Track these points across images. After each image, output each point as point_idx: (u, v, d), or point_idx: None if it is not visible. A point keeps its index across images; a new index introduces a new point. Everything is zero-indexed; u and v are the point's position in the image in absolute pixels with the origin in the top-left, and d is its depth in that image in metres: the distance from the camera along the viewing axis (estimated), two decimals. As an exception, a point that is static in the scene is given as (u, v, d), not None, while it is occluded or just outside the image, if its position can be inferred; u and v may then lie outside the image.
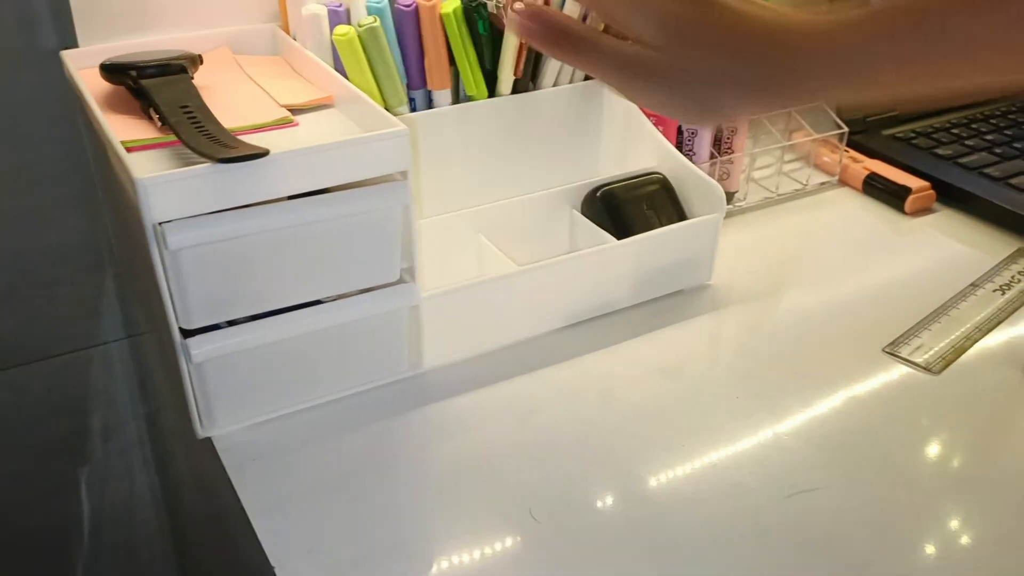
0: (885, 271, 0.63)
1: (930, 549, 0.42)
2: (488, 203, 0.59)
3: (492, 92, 0.60)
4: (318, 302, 0.47)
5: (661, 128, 0.64)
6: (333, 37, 0.54)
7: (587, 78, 0.64)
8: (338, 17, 0.56)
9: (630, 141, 0.65)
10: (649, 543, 0.42)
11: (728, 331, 0.57)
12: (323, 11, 0.56)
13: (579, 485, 0.45)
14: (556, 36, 0.38)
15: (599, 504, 0.44)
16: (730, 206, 0.70)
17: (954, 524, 0.43)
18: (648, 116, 0.64)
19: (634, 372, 0.53)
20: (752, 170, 0.74)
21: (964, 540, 0.43)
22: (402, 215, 0.46)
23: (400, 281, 0.48)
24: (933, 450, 0.47)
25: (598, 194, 0.60)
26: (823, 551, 0.42)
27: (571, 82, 0.63)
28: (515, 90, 0.61)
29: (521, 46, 0.59)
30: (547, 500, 0.44)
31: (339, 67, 0.55)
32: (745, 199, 0.71)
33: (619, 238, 0.57)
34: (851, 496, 0.45)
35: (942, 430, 0.49)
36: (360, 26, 0.54)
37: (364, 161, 0.44)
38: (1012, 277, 0.61)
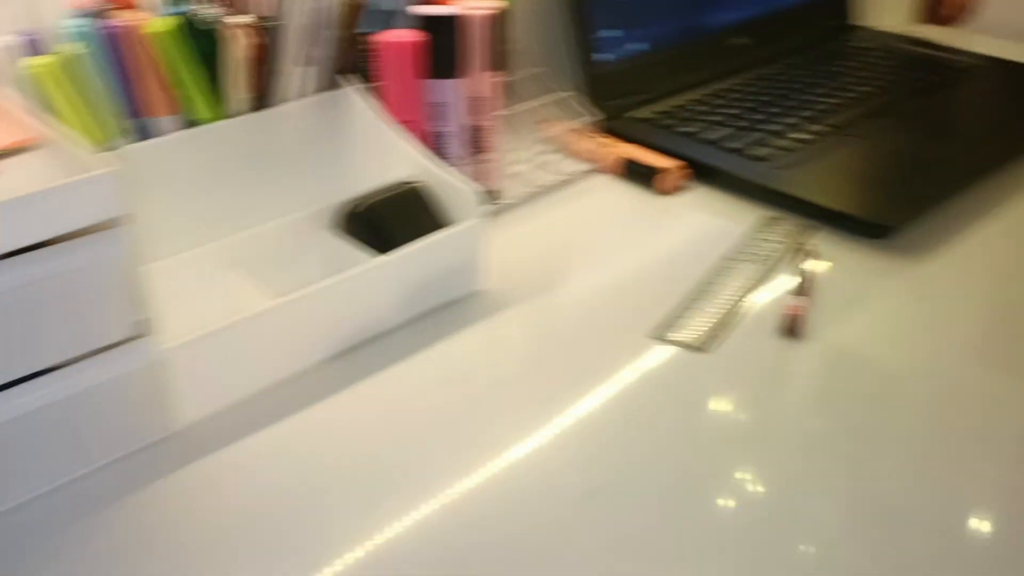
0: (649, 253, 0.64)
1: (729, 503, 0.42)
2: (235, 234, 0.54)
3: (225, 114, 0.56)
4: (41, 373, 0.41)
5: (412, 135, 0.62)
6: (27, 70, 0.48)
7: (327, 88, 0.61)
8: (34, 47, 0.50)
9: (382, 150, 0.62)
10: (443, 565, 0.40)
11: (505, 334, 0.56)
12: (14, 41, 0.49)
13: (370, 516, 0.42)
14: None
15: (389, 534, 0.42)
16: (493, 205, 0.69)
17: (746, 478, 0.44)
18: (400, 122, 0.61)
19: (412, 390, 0.51)
20: (511, 166, 0.74)
21: (758, 488, 0.43)
22: (124, 264, 0.41)
23: (133, 337, 0.43)
24: (715, 421, 0.48)
25: (353, 211, 0.57)
26: (623, 546, 0.41)
27: (311, 94, 0.60)
28: (251, 109, 0.57)
29: (250, 61, 0.54)
30: (332, 542, 0.41)
31: (44, 103, 0.49)
32: (507, 196, 0.70)
33: (382, 254, 0.54)
34: (644, 486, 0.44)
35: (720, 402, 0.50)
36: (58, 56, 0.48)
37: (67, 211, 0.39)
38: (763, 246, 0.64)
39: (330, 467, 0.46)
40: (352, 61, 0.62)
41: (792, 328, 0.54)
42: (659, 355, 0.54)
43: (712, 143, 0.75)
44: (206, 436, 0.47)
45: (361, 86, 0.62)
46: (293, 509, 0.43)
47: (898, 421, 0.49)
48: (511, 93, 0.77)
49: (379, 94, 0.62)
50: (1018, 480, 0.45)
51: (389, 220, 0.56)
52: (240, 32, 0.53)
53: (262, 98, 0.57)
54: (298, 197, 0.59)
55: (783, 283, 0.60)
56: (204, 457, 0.46)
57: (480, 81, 0.65)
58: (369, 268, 0.53)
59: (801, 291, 0.58)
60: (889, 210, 0.65)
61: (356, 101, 0.62)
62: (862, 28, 1.01)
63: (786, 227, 0.66)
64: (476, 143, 0.68)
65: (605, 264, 0.63)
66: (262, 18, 0.55)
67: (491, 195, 0.69)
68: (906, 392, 0.51)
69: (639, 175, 0.73)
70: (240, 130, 0.56)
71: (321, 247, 0.58)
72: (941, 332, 0.56)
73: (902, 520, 0.43)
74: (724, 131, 0.77)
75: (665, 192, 0.71)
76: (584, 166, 0.75)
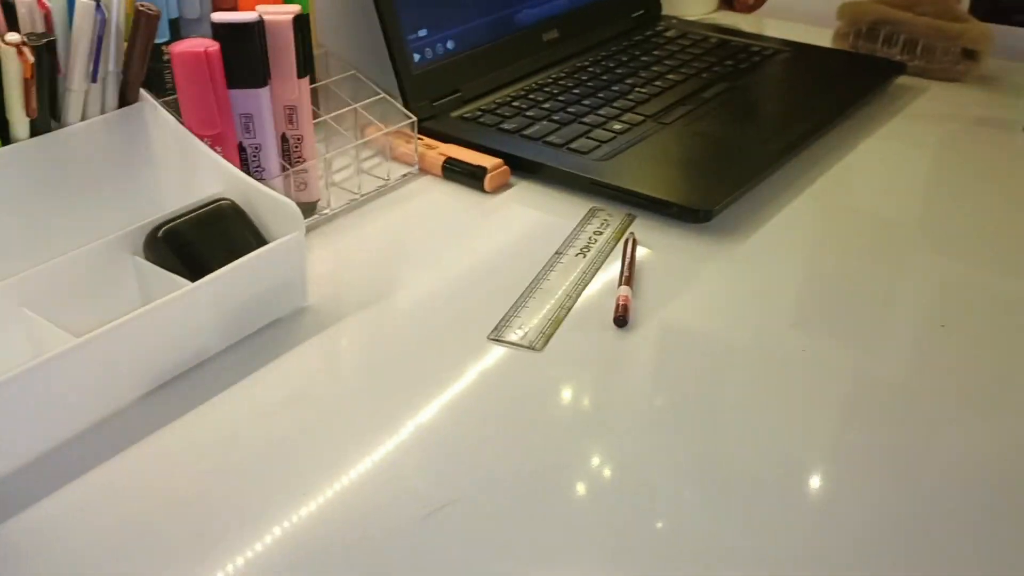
0: (479, 254, 0.63)
1: (584, 492, 0.42)
2: (29, 270, 0.50)
3: (8, 139, 0.51)
4: None
5: (219, 149, 0.58)
6: None
7: (122, 104, 0.57)
8: None
9: (189, 167, 0.59)
10: (284, 619, 0.38)
11: (338, 349, 0.54)
12: None
13: (203, 560, 0.39)
14: None
15: (229, 568, 0.39)
16: (315, 216, 0.67)
17: (597, 466, 0.43)
18: (202, 137, 0.58)
19: (243, 418, 0.48)
20: (331, 174, 0.71)
21: (611, 474, 0.43)
22: None
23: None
24: (560, 415, 0.48)
25: (160, 234, 0.53)
26: (483, 551, 0.40)
27: (103, 112, 0.56)
28: (35, 132, 0.52)
29: (28, 80, 0.50)
30: (158, 605, 0.38)
31: None
32: (329, 206, 0.68)
33: (195, 278, 0.51)
34: (488, 497, 0.43)
35: (563, 396, 0.49)
36: None
37: None
38: (589, 238, 0.64)
39: (156, 510, 0.42)
40: (148, 74, 0.58)
41: (623, 317, 0.55)
42: (498, 356, 0.53)
43: (532, 138, 0.75)
44: (9, 497, 0.43)
45: (159, 100, 0.58)
46: (115, 561, 0.40)
47: (733, 393, 0.50)
48: (325, 99, 0.75)
49: (180, 107, 0.58)
50: (850, 436, 0.47)
51: (198, 241, 0.53)
52: (13, 50, 0.49)
53: (48, 120, 0.53)
54: (98, 224, 0.55)
55: (611, 273, 0.60)
56: (6, 521, 0.42)
57: (289, 89, 0.63)
58: (184, 293, 0.49)
59: (628, 280, 0.58)
60: (706, 195, 0.67)
61: (154, 116, 0.58)
62: (669, 18, 1.04)
63: (611, 218, 0.67)
64: (291, 153, 0.65)
65: (436, 268, 0.61)
66: (37, 35, 0.50)
67: (311, 206, 0.67)
68: (737, 365, 0.52)
69: (463, 175, 0.72)
70: (25, 156, 0.52)
71: (128, 276, 0.54)
72: (763, 305, 0.57)
73: (748, 486, 0.44)
74: (543, 125, 0.77)
75: (490, 191, 0.71)
76: (406, 169, 0.74)
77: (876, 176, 0.74)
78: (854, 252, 0.63)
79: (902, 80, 0.91)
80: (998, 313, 0.57)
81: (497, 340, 0.54)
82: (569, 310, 0.57)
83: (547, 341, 0.54)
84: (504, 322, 0.55)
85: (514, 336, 0.54)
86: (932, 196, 0.71)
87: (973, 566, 0.40)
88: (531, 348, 0.53)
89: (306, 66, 0.63)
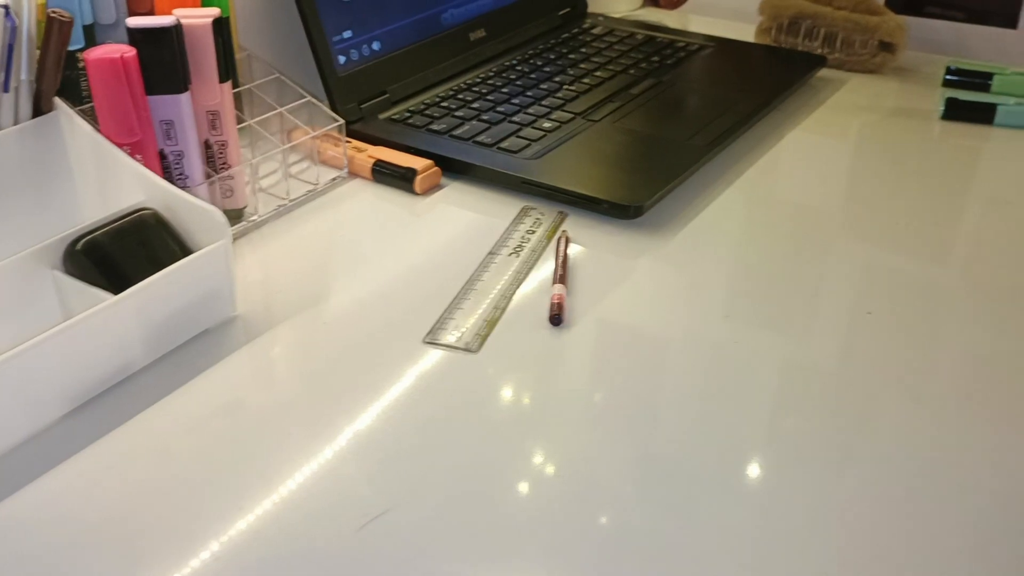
0: (412, 257, 0.62)
1: (526, 491, 0.42)
2: (-61, 287, 0.48)
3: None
4: None
5: (140, 157, 0.57)
6: None
7: (36, 114, 0.55)
8: None
9: (108, 177, 0.57)
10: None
11: (270, 358, 0.53)
12: None
13: (126, 597, 0.38)
14: None
15: (155, 611, 0.38)
16: (242, 223, 0.65)
17: (538, 464, 0.43)
18: (121, 146, 0.56)
19: (172, 432, 0.47)
20: (258, 180, 0.70)
21: (552, 472, 0.43)
22: None
23: None
24: (499, 416, 0.47)
25: (79, 246, 0.51)
26: (424, 556, 0.39)
27: (16, 123, 0.54)
28: (-57, 144, 0.50)
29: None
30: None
31: None
32: (257, 212, 0.67)
33: (117, 291, 0.49)
34: (424, 504, 0.43)
35: (502, 397, 0.49)
36: None
37: None
38: (522, 237, 0.64)
39: (82, 533, 0.41)
40: (63, 83, 0.56)
41: (557, 315, 0.55)
42: (435, 359, 0.52)
43: (463, 138, 0.75)
44: (-75, 524, 0.41)
45: (75, 109, 0.56)
46: (41, 590, 0.38)
47: (670, 386, 0.50)
48: (249, 104, 0.73)
49: (97, 116, 0.57)
50: (783, 424, 0.47)
51: (120, 253, 0.51)
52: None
53: (-45, 131, 0.51)
54: (14, 238, 0.53)
55: (545, 272, 0.60)
56: (-74, 548, 0.40)
57: (211, 93, 0.61)
58: (106, 307, 0.48)
59: (562, 278, 0.58)
60: (636, 191, 0.67)
61: (70, 126, 0.56)
62: (595, 15, 1.05)
63: (543, 216, 0.67)
64: (216, 159, 0.64)
65: (368, 272, 0.61)
66: (-58, 41, 0.48)
67: (238, 213, 0.66)
68: (672, 358, 0.53)
69: (393, 177, 0.71)
70: (-70, 170, 0.50)
71: (47, 291, 0.52)
72: (696, 298, 0.58)
73: (687, 477, 0.44)
74: (473, 125, 0.76)
75: (421, 193, 0.70)
76: (335, 173, 0.73)
77: (801, 167, 0.76)
78: (782, 243, 0.65)
79: (823, 73, 0.93)
80: (921, 298, 0.58)
81: (433, 343, 0.53)
82: (504, 310, 0.56)
83: (483, 342, 0.54)
84: (439, 324, 0.55)
85: (450, 338, 0.54)
86: (855, 185, 0.73)
87: (908, 548, 0.41)
88: (467, 350, 0.53)
89: (228, 70, 0.62)
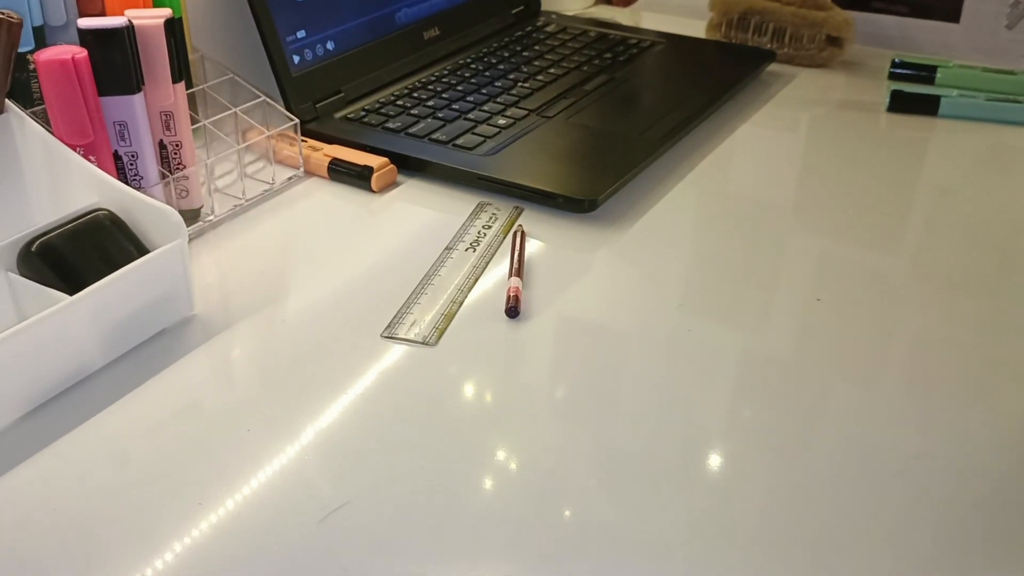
0: (369, 254, 0.63)
1: (491, 486, 0.42)
2: None
3: None
4: None
5: (93, 158, 0.57)
6: None
7: (-14, 117, 0.55)
8: None
9: (61, 179, 0.57)
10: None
11: (229, 357, 0.53)
12: None
13: (87, 596, 0.38)
14: None
15: (116, 609, 0.38)
16: (198, 224, 0.65)
17: (502, 459, 0.44)
18: (75, 147, 0.56)
19: (130, 434, 0.47)
20: (213, 180, 0.70)
21: (516, 467, 0.44)
22: None
23: None
24: (460, 411, 0.48)
25: (34, 248, 0.51)
26: (386, 549, 0.40)
27: (-35, 125, 0.53)
28: None
29: None
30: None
31: None
32: (213, 212, 0.67)
33: (73, 293, 0.49)
34: (384, 496, 0.43)
35: (462, 391, 0.50)
36: None
37: None
38: (478, 232, 0.65)
39: (39, 536, 0.41)
40: (13, 85, 0.55)
41: (514, 308, 0.56)
42: (394, 354, 0.53)
43: (418, 136, 0.75)
44: None
45: (26, 111, 0.56)
46: (1, 591, 0.38)
47: (629, 377, 0.51)
48: (203, 104, 0.73)
49: (49, 118, 0.56)
50: (744, 413, 0.49)
51: (75, 254, 0.51)
52: None
53: (-97, 134, 0.50)
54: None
55: (503, 267, 0.61)
56: None
57: (164, 94, 0.61)
58: (61, 308, 0.48)
59: (518, 271, 0.59)
60: (590, 185, 0.68)
61: (21, 128, 0.56)
62: (548, 13, 1.06)
63: (499, 212, 0.67)
64: (171, 160, 0.64)
65: (325, 270, 0.61)
66: None
67: (194, 213, 0.65)
68: (630, 349, 0.54)
69: (349, 175, 0.71)
70: None
71: (2, 293, 0.52)
72: (650, 290, 0.59)
73: (650, 469, 0.45)
74: (428, 123, 0.77)
75: (377, 191, 0.71)
76: (291, 172, 0.73)
77: (751, 160, 0.77)
78: (733, 234, 0.66)
79: (773, 67, 0.95)
80: (868, 284, 0.60)
81: (391, 338, 0.54)
82: (461, 304, 0.57)
83: (440, 336, 0.54)
84: (397, 319, 0.55)
85: (408, 333, 0.54)
86: (804, 177, 0.74)
87: (865, 534, 0.42)
88: (425, 344, 0.53)
89: (181, 71, 0.62)
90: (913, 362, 0.53)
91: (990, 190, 0.72)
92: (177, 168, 0.64)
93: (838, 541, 0.41)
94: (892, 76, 0.93)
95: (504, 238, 0.64)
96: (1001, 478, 0.45)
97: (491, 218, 0.66)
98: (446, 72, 0.87)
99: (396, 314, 0.56)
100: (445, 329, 0.55)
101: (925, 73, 0.92)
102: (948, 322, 0.57)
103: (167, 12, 0.60)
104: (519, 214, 0.67)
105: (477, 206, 0.68)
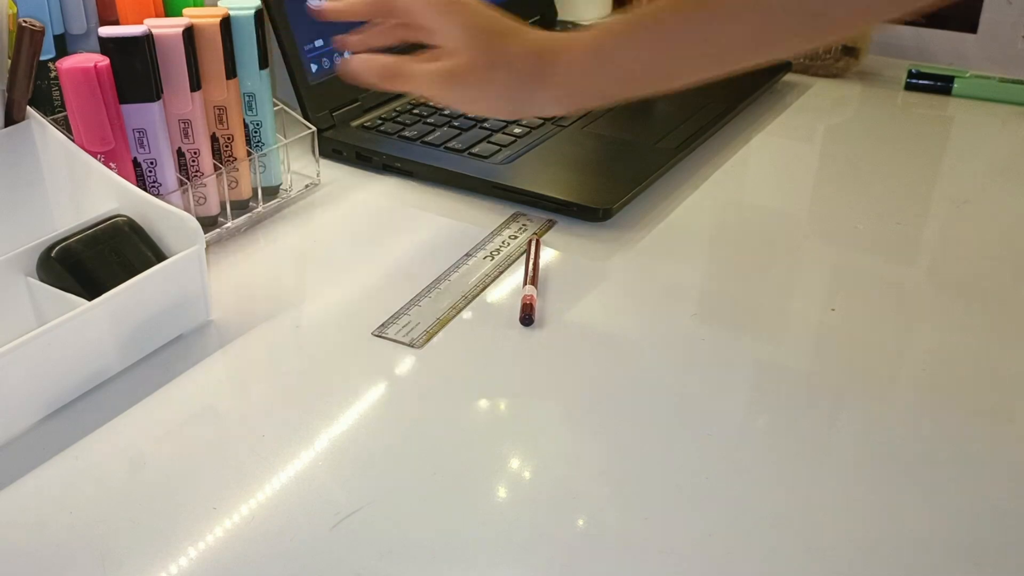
0: (386, 262, 0.63)
1: (505, 493, 0.42)
2: (-88, 296, 0.48)
3: None
4: None
5: (113, 165, 0.57)
6: None
7: (8, 123, 0.56)
8: None
9: (81, 185, 0.57)
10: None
11: (245, 362, 0.54)
12: None
13: (103, 598, 0.39)
14: (385, 72, 0.58)
15: (132, 611, 0.38)
16: (216, 230, 0.66)
17: (516, 466, 0.44)
18: (95, 154, 0.57)
19: (148, 438, 0.47)
20: (230, 189, 0.70)
21: (529, 475, 0.44)
22: None
23: None
24: (475, 416, 0.48)
25: (53, 253, 0.52)
26: (394, 556, 0.40)
27: (-13, 132, 0.54)
28: (-85, 154, 0.51)
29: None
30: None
31: None
32: (230, 219, 0.67)
33: (92, 298, 0.50)
34: (394, 500, 0.44)
35: (477, 397, 0.50)
36: None
37: None
38: (503, 242, 0.65)
39: (57, 538, 0.41)
40: (34, 92, 0.56)
41: (528, 315, 0.56)
42: (408, 361, 0.53)
43: (434, 144, 0.75)
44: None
45: (47, 118, 0.57)
46: (18, 592, 0.39)
47: (642, 385, 0.51)
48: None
49: (70, 125, 0.57)
50: (758, 422, 0.49)
51: (94, 259, 0.52)
52: None
53: (-73, 141, 0.51)
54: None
55: (517, 274, 0.61)
56: (-98, 554, 0.40)
57: (183, 103, 0.62)
58: (81, 312, 0.48)
59: (533, 279, 0.59)
60: (605, 194, 0.68)
61: (42, 135, 0.56)
62: (565, 23, 1.06)
63: (529, 223, 0.67)
64: (189, 167, 0.64)
65: (341, 277, 0.61)
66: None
67: (211, 220, 0.66)
68: (644, 358, 0.54)
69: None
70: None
71: (22, 298, 0.52)
72: (666, 299, 0.59)
73: (660, 478, 0.45)
74: (444, 132, 0.77)
75: (393, 198, 0.71)
76: (308, 180, 0.73)
77: (767, 169, 0.77)
78: (748, 243, 0.66)
79: (788, 77, 0.95)
80: (883, 295, 0.60)
81: (380, 336, 0.54)
82: (460, 311, 0.57)
83: (428, 339, 0.54)
84: (409, 325, 0.56)
85: (398, 333, 0.54)
86: (819, 187, 0.74)
87: (879, 545, 0.42)
88: (409, 345, 0.54)
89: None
90: (928, 373, 0.53)
91: (1007, 200, 0.72)
92: (195, 175, 0.64)
93: (852, 551, 0.41)
94: (908, 86, 0.93)
95: (520, 246, 0.64)
96: (1018, 489, 0.45)
97: (520, 228, 0.66)
98: (462, 81, 0.88)
99: (411, 320, 0.56)
100: (435, 334, 0.55)
101: (941, 83, 0.92)
102: (963, 332, 0.56)
103: (186, 21, 0.60)
104: (550, 227, 0.67)
105: (510, 216, 0.68)
